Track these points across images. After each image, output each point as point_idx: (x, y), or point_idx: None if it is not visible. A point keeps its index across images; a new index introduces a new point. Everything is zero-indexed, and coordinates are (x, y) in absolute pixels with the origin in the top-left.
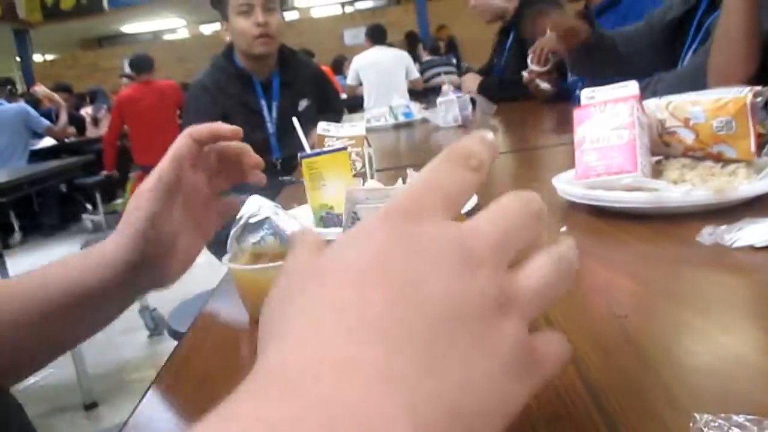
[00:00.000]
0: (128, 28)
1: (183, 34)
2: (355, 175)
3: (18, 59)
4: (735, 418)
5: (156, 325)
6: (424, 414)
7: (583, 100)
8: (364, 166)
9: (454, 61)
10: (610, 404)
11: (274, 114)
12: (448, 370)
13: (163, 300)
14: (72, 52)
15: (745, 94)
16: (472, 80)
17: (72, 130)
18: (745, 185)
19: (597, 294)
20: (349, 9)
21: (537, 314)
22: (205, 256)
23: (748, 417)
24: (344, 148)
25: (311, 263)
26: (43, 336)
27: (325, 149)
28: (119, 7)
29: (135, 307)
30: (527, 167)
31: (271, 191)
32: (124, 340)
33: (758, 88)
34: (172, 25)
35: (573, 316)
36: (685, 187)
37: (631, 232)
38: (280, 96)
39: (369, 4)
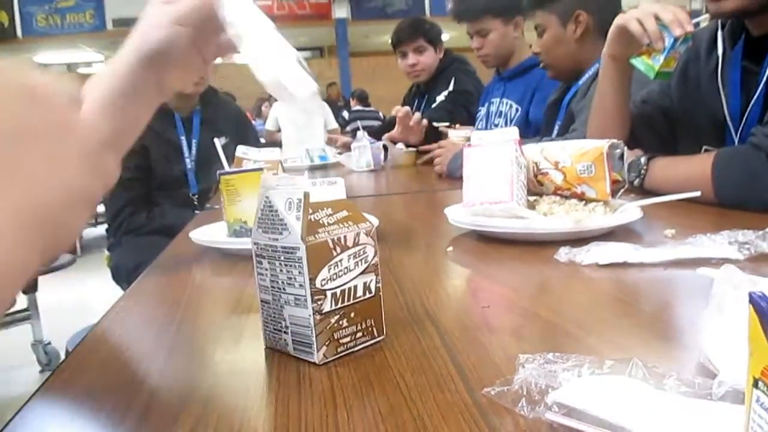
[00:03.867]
0: (41, 57)
1: (99, 68)
2: None
3: None
4: (546, 355)
5: (50, 360)
6: None
7: (473, 141)
8: None
9: (381, 113)
10: (462, 358)
11: (194, 150)
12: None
13: (57, 333)
14: None
15: (602, 144)
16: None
17: None
18: (599, 218)
19: (469, 293)
20: None
21: None
22: (100, 289)
23: (555, 354)
24: (260, 169)
25: None
26: None
27: (242, 168)
28: (33, 36)
29: (27, 340)
30: (426, 204)
31: (186, 222)
32: (13, 376)
33: (615, 140)
34: (88, 59)
35: (446, 307)
36: (553, 218)
37: (504, 252)
38: (199, 133)
39: None
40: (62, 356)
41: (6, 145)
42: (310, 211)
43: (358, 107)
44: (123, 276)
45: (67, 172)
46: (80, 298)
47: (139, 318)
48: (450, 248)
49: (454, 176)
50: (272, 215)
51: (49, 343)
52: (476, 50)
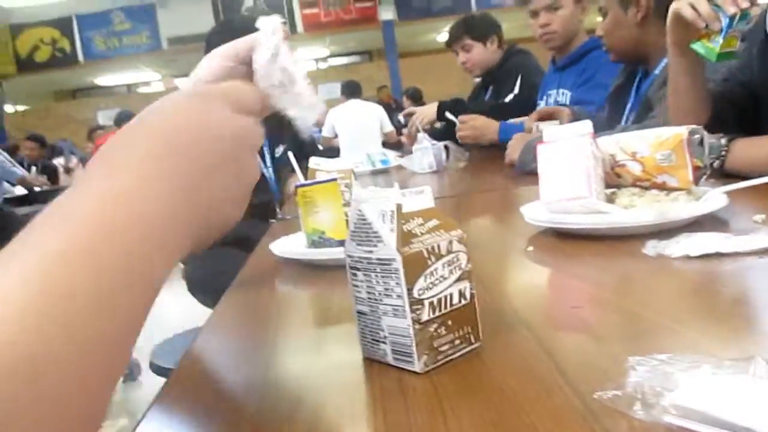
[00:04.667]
0: (102, 80)
1: (157, 87)
2: (345, 204)
3: None
4: (659, 356)
5: (130, 371)
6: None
7: (545, 138)
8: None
9: None
10: (563, 362)
11: (267, 159)
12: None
13: (137, 346)
14: (45, 103)
15: (681, 131)
16: (429, 109)
17: (44, 179)
18: (683, 208)
19: (557, 293)
20: (323, 65)
21: None
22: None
23: (669, 355)
24: (335, 179)
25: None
26: None
27: (317, 179)
28: (94, 60)
29: None
30: (498, 203)
31: (258, 232)
32: None
33: (694, 126)
34: (147, 78)
35: (536, 308)
36: (635, 210)
37: (587, 248)
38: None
39: (342, 61)
40: (143, 367)
41: (204, 172)
42: (403, 221)
43: (412, 107)
44: (199, 287)
45: (232, 205)
46: (156, 310)
47: (233, 333)
48: (530, 248)
49: (524, 170)
50: (366, 228)
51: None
52: (542, 27)
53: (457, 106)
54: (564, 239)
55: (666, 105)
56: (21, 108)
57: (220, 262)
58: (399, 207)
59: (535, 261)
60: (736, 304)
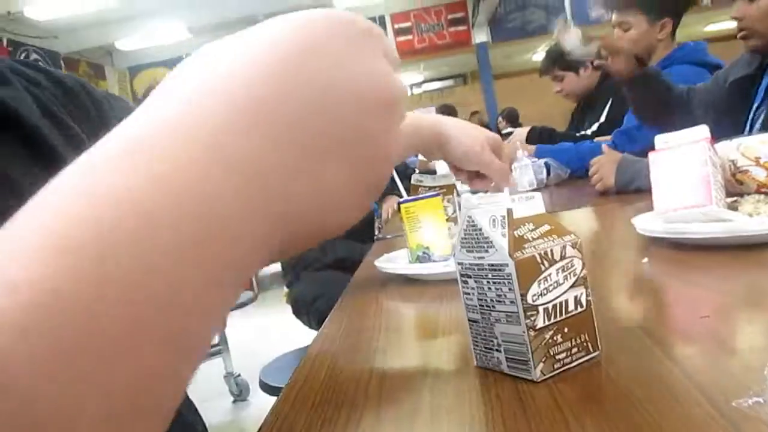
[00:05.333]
0: None
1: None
2: (447, 220)
3: None
4: None
5: (240, 391)
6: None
7: (658, 145)
8: (455, 211)
9: None
10: (693, 371)
11: None
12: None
13: (245, 366)
14: None
15: None
16: (521, 133)
17: None
18: None
19: (681, 303)
20: (417, 90)
21: None
22: (288, 322)
23: None
24: (437, 195)
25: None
26: None
27: (420, 195)
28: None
29: (219, 373)
30: (607, 217)
31: (358, 254)
32: (209, 406)
33: None
34: None
35: (658, 319)
36: (761, 218)
37: (710, 259)
38: None
39: (437, 85)
40: (251, 388)
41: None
42: (514, 227)
43: (509, 129)
44: (303, 309)
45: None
46: (263, 333)
47: (343, 346)
48: (645, 260)
49: (626, 190)
50: (476, 234)
51: (239, 375)
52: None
53: (548, 134)
54: (682, 250)
55: None
56: None
57: (322, 285)
58: (510, 212)
59: (653, 272)
60: None
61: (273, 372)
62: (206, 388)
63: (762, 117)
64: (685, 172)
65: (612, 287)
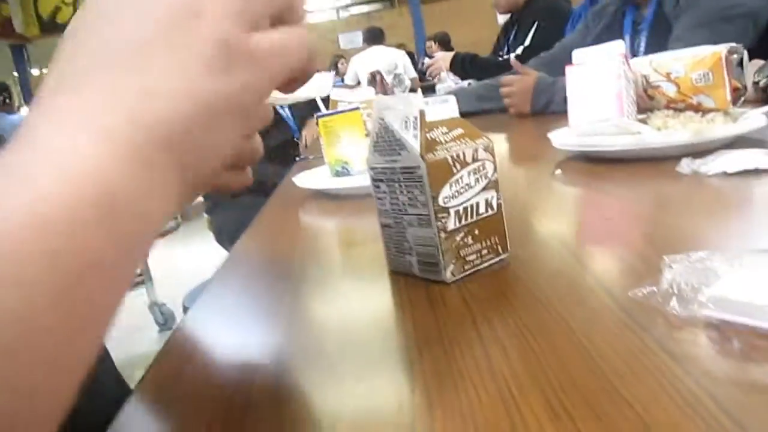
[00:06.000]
0: None
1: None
2: (367, 134)
3: (15, 74)
4: (696, 253)
5: (166, 320)
6: (107, 121)
7: (575, 60)
8: None
9: None
10: (596, 267)
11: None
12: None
13: (170, 295)
14: None
15: (720, 49)
16: (443, 58)
17: None
18: (720, 127)
19: (588, 208)
20: (344, 14)
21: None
22: (212, 250)
23: (707, 251)
24: (357, 108)
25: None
26: None
27: (339, 109)
28: None
29: (144, 303)
30: (521, 134)
31: (280, 176)
32: (135, 336)
33: (733, 44)
34: None
35: (566, 222)
36: (668, 132)
37: (618, 170)
38: None
39: (363, 9)
40: (177, 316)
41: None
42: (426, 129)
43: (440, 52)
44: (226, 237)
45: (191, 77)
46: (188, 261)
47: (259, 263)
48: (558, 171)
49: (543, 113)
50: (388, 136)
51: (164, 305)
52: None
53: (470, 60)
54: (594, 163)
55: (692, 22)
56: (46, 71)
57: (245, 210)
58: (422, 113)
59: (564, 182)
60: None
61: (196, 299)
62: (131, 318)
63: (643, 43)
64: (600, 86)
65: (523, 197)
